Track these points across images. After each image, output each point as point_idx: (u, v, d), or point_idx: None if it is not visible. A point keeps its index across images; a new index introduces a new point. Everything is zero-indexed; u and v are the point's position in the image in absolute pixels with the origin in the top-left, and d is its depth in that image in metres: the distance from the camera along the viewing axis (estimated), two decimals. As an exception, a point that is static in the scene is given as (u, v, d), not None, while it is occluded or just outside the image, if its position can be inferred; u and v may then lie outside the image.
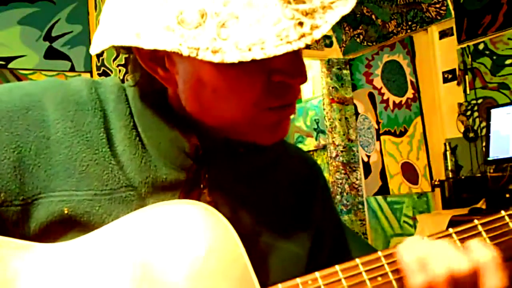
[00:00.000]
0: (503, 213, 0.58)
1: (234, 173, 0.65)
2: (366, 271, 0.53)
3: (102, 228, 0.55)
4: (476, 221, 0.56)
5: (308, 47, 0.52)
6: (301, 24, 0.47)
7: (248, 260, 0.54)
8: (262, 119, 0.57)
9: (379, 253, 0.55)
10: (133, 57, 0.59)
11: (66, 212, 0.55)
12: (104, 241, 0.54)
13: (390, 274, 0.53)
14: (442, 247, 0.53)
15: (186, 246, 0.53)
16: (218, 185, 0.62)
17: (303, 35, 0.47)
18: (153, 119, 0.61)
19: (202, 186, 0.61)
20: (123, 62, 2.99)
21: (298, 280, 0.53)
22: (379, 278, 0.53)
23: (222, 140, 0.62)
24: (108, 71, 2.99)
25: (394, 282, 0.53)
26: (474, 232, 0.56)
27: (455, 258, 0.52)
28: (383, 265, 0.54)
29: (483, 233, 0.56)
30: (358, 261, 0.54)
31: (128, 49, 0.59)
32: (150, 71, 0.58)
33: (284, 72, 0.54)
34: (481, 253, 0.53)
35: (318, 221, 0.73)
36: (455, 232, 0.56)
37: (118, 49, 0.61)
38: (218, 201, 0.62)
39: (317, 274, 0.53)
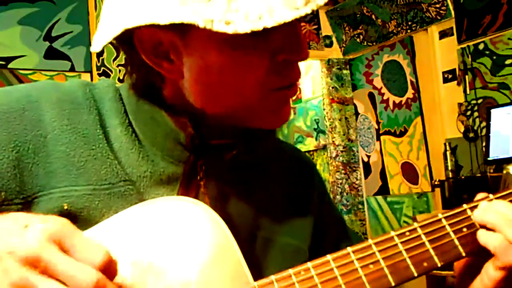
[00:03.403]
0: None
1: (230, 166, 0.65)
2: (357, 259, 0.53)
3: (99, 225, 0.55)
4: (465, 206, 0.59)
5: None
6: None
7: (241, 255, 0.54)
8: (267, 101, 0.59)
9: (370, 241, 0.55)
10: (135, 55, 0.59)
11: (65, 208, 0.55)
12: (98, 240, 0.53)
13: (381, 261, 0.53)
14: (505, 211, 0.56)
15: (177, 241, 0.53)
16: (215, 178, 0.63)
17: (308, 1, 0.49)
18: (147, 115, 0.62)
19: (199, 178, 0.62)
20: (123, 62, 2.99)
21: (291, 271, 0.53)
22: (371, 266, 0.53)
23: (217, 132, 0.63)
24: (108, 71, 3.00)
25: (385, 269, 0.53)
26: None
27: None
28: (374, 253, 0.54)
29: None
30: (349, 249, 0.54)
31: (131, 47, 0.59)
32: (154, 66, 0.58)
33: (286, 50, 0.56)
34: None
35: (317, 214, 0.73)
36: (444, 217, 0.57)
37: (121, 47, 0.61)
38: (215, 194, 0.62)
39: (309, 264, 0.53)
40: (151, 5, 0.52)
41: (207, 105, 0.60)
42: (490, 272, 0.55)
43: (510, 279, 0.55)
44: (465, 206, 0.58)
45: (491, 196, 0.59)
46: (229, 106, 0.59)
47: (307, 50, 0.58)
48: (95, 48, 0.58)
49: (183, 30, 0.54)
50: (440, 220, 0.57)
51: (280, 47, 0.56)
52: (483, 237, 0.56)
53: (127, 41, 0.59)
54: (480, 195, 0.60)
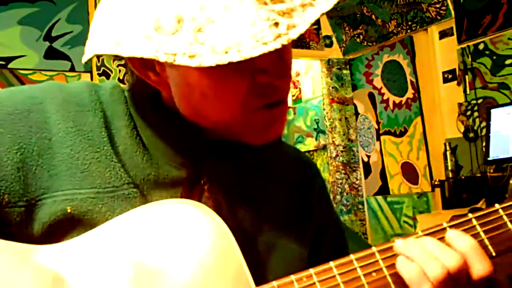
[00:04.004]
0: (497, 206, 0.58)
1: (233, 171, 0.65)
2: (360, 266, 0.53)
3: (100, 226, 0.55)
4: (470, 215, 0.57)
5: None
6: (276, 24, 0.48)
7: (243, 259, 0.54)
8: (253, 120, 0.58)
9: (374, 249, 0.54)
10: (126, 63, 0.61)
11: (69, 211, 0.55)
12: (99, 242, 0.54)
13: (384, 269, 0.53)
14: (428, 247, 0.54)
15: (179, 244, 0.53)
16: (219, 182, 0.63)
17: (278, 36, 0.47)
18: (151, 119, 0.62)
19: (202, 182, 0.62)
20: (123, 62, 2.98)
21: (293, 277, 0.53)
22: (374, 274, 0.53)
23: (219, 137, 0.63)
24: (108, 71, 2.99)
25: (388, 278, 0.53)
26: (468, 226, 0.56)
27: (445, 256, 0.53)
28: (377, 261, 0.54)
29: (478, 227, 0.56)
30: (352, 256, 0.54)
31: (121, 58, 0.60)
32: (142, 76, 0.59)
33: (268, 73, 0.55)
34: (462, 242, 0.54)
35: (318, 219, 0.73)
36: (449, 226, 0.56)
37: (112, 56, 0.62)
38: (218, 198, 0.62)
39: (311, 270, 0.53)
40: (118, 35, 0.52)
41: (195, 119, 0.60)
42: None
43: None
44: (395, 240, 0.57)
45: (445, 224, 0.57)
46: (214, 122, 0.59)
47: (290, 74, 0.56)
48: (83, 60, 0.59)
49: None
50: (445, 229, 0.56)
51: (262, 69, 0.55)
52: (399, 265, 0.54)
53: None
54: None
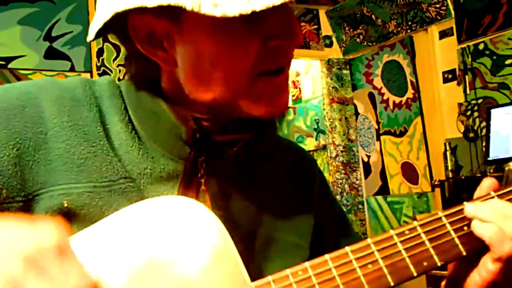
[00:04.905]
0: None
1: (231, 163, 0.65)
2: (356, 258, 0.53)
3: (95, 224, 0.55)
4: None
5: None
6: None
7: (238, 254, 0.54)
8: (256, 88, 0.58)
9: (369, 240, 0.54)
10: (131, 47, 0.60)
11: (65, 205, 0.55)
12: (95, 241, 0.54)
13: (380, 261, 0.53)
14: (499, 207, 0.56)
15: (174, 241, 0.53)
16: (216, 175, 0.63)
17: None
18: (148, 111, 0.61)
19: (199, 175, 0.61)
20: (123, 62, 2.99)
21: (288, 271, 0.52)
22: (370, 265, 0.53)
23: (219, 127, 0.62)
24: (108, 71, 3.00)
25: (384, 269, 0.53)
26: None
27: None
28: (373, 252, 0.53)
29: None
30: (347, 249, 0.53)
31: (126, 38, 0.59)
32: (149, 55, 0.58)
33: (279, 36, 0.56)
34: None
35: (317, 211, 0.73)
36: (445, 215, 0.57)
37: (118, 39, 0.62)
38: (216, 192, 0.62)
39: (306, 264, 0.53)
40: None
41: (199, 94, 0.59)
42: (487, 265, 0.55)
43: (506, 271, 0.55)
44: (465, 204, 0.58)
45: (492, 193, 0.59)
46: (220, 93, 0.58)
47: (301, 35, 0.57)
48: (89, 37, 0.59)
49: (176, 17, 0.55)
50: (440, 218, 0.57)
51: (273, 32, 0.56)
52: (478, 228, 0.56)
53: (122, 31, 0.59)
54: (479, 192, 0.60)
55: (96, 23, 0.58)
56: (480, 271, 0.56)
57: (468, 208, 0.57)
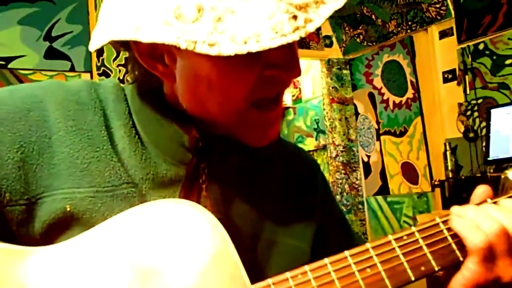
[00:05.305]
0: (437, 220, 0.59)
1: (233, 168, 0.65)
2: (355, 262, 0.53)
3: (97, 226, 0.55)
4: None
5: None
6: (295, 17, 0.49)
7: (238, 257, 0.54)
8: (250, 118, 0.59)
9: (368, 245, 0.55)
10: (132, 55, 0.60)
11: (68, 209, 0.55)
12: (95, 243, 0.54)
13: (379, 265, 0.53)
14: (485, 209, 0.56)
15: (175, 245, 0.53)
16: (218, 180, 0.63)
17: (297, 28, 0.48)
18: (151, 116, 0.62)
19: (201, 181, 0.62)
20: (123, 62, 2.99)
21: (288, 274, 0.53)
22: (368, 270, 0.53)
23: (219, 136, 0.63)
24: (108, 71, 3.00)
25: (383, 273, 0.53)
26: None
27: (502, 215, 0.55)
28: (371, 257, 0.54)
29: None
30: (347, 253, 0.54)
31: (127, 47, 0.60)
32: (149, 68, 0.59)
33: (278, 67, 0.56)
34: None
35: (319, 215, 0.73)
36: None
37: (118, 48, 0.62)
38: (217, 196, 0.62)
39: (306, 267, 0.53)
40: (137, 20, 0.52)
41: (195, 111, 0.60)
42: (467, 263, 0.55)
43: (486, 271, 0.54)
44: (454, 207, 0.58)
45: (489, 200, 0.59)
46: (215, 116, 0.59)
47: (300, 69, 0.57)
48: (91, 48, 0.59)
49: None
50: (438, 224, 0.57)
51: (273, 62, 0.56)
52: (452, 221, 0.57)
53: (124, 42, 0.59)
54: (473, 199, 0.60)
55: (96, 39, 0.58)
56: (462, 271, 0.56)
57: (454, 209, 0.58)
